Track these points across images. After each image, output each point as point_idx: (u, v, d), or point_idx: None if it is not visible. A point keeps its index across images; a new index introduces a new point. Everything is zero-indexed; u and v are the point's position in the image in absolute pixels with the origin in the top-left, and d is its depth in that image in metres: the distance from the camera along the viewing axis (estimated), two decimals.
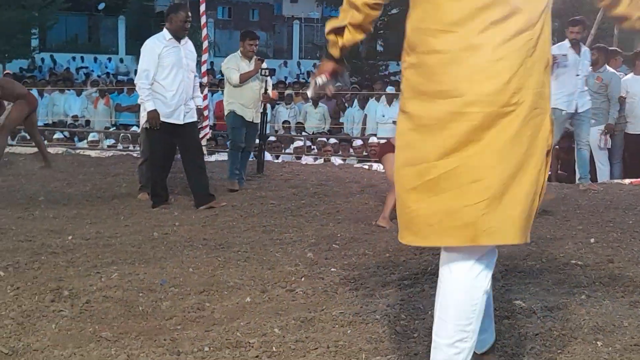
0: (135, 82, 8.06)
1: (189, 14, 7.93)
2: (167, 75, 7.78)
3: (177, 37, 7.87)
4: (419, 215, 2.67)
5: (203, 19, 12.22)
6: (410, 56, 2.76)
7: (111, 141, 15.30)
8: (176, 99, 7.82)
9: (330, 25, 3.06)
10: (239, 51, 9.26)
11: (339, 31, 3.05)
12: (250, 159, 9.83)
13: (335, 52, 3.10)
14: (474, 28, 2.55)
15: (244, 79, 9.01)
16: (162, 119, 7.74)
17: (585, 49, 9.21)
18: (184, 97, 7.88)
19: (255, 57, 9.26)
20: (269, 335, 3.85)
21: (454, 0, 2.58)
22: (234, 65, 9.10)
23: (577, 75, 8.91)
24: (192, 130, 8.10)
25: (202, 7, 11.96)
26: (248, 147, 9.44)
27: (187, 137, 8.00)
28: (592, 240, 6.00)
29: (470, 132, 2.56)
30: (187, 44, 8.03)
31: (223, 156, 11.53)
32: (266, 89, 9.30)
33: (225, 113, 9.36)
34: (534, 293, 4.59)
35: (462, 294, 2.73)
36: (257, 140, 9.95)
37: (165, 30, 7.91)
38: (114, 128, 16.96)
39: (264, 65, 9.26)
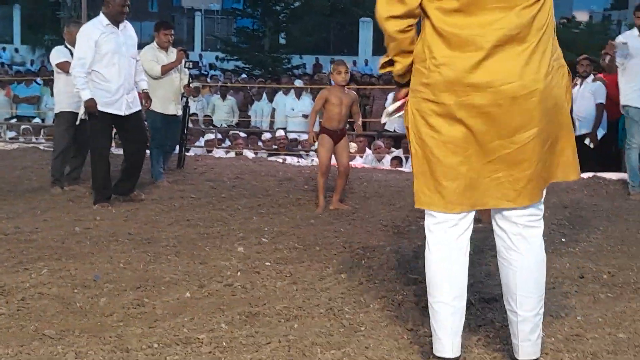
0: (70, 70, 7.56)
1: None
2: (106, 63, 7.35)
3: (116, 21, 7.41)
4: (501, 182, 3.14)
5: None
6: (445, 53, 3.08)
7: (13, 133, 14.83)
8: (117, 88, 7.38)
9: (381, 63, 3.35)
10: (154, 42, 8.99)
11: (391, 64, 3.29)
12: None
13: (400, 79, 3.33)
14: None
15: (165, 70, 8.72)
16: (101, 108, 7.31)
17: None
18: (125, 87, 7.45)
19: (177, 48, 9.07)
20: (216, 330, 3.82)
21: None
22: (152, 57, 8.74)
23: None
24: (136, 121, 7.67)
25: None
26: (172, 143, 9.23)
27: (130, 130, 7.63)
28: None
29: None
30: (127, 29, 7.59)
31: None
32: (189, 81, 9.13)
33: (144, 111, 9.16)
34: (468, 286, 4.66)
35: (541, 266, 3.30)
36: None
37: (101, 15, 7.44)
38: (14, 120, 16.43)
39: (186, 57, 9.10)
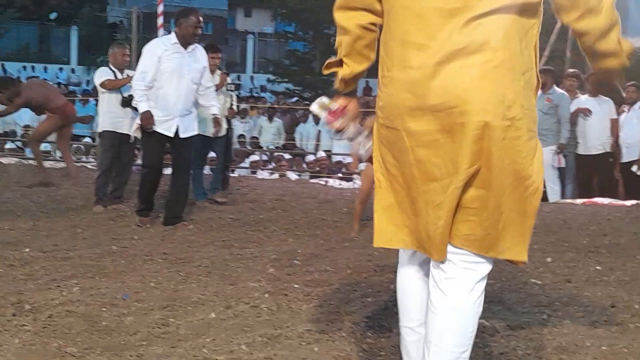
0: (132, 83, 7.55)
1: (201, 19, 7.44)
2: (164, 82, 7.31)
3: (185, 43, 7.37)
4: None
5: (160, 32, 12.17)
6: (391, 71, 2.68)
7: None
8: (170, 108, 7.33)
9: (327, 62, 2.95)
10: None
11: (339, 64, 2.92)
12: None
13: (341, 85, 2.97)
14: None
15: None
16: (153, 127, 7.29)
17: None
18: (179, 109, 7.37)
19: (220, 70, 9.16)
20: (236, 352, 3.84)
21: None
22: None
23: None
24: (183, 146, 7.54)
25: (160, 20, 11.92)
26: (218, 162, 9.25)
27: (176, 153, 7.60)
28: (549, 259, 6.10)
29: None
30: (196, 51, 7.53)
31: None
32: (232, 104, 9.23)
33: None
34: (496, 312, 4.65)
35: (462, 318, 2.68)
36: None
37: (172, 34, 7.42)
38: None
39: (229, 79, 9.19)
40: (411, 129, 2.61)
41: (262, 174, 12.64)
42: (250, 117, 16.75)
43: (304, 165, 13.68)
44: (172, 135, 7.38)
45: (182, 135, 7.43)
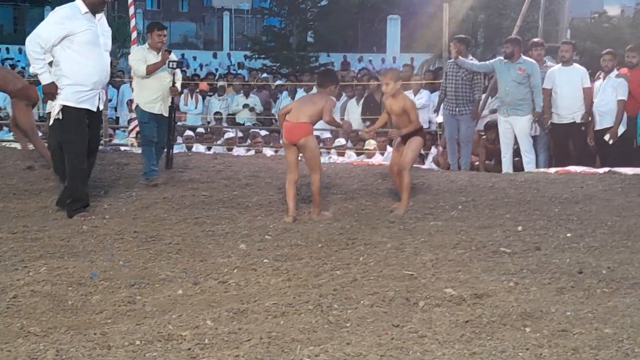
0: (26, 47, 6.82)
1: None
2: (82, 54, 6.81)
3: (94, 11, 6.89)
4: None
5: (131, 10, 12.05)
6: None
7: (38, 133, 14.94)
8: (94, 81, 6.87)
9: None
10: (147, 43, 8.91)
11: None
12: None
13: None
14: None
15: (151, 70, 8.61)
16: (74, 104, 6.80)
17: None
18: (101, 80, 7.01)
19: (163, 48, 8.97)
20: (201, 327, 3.83)
21: None
22: (140, 57, 8.67)
23: None
24: (98, 121, 7.29)
25: None
26: (161, 142, 8.96)
27: (92, 128, 7.07)
28: (520, 228, 6.12)
29: None
30: (102, 20, 7.07)
31: None
32: (174, 82, 9.02)
33: (134, 107, 9.10)
34: (464, 281, 4.67)
35: None
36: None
37: (79, 1, 6.86)
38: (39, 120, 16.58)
39: (172, 57, 9.02)
40: None
41: (238, 151, 12.58)
42: (227, 94, 16.65)
43: (281, 142, 13.62)
44: (95, 109, 7.00)
45: (101, 107, 7.13)
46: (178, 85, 8.98)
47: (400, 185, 7.19)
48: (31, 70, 7.10)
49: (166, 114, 8.86)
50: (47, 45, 6.75)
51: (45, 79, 6.78)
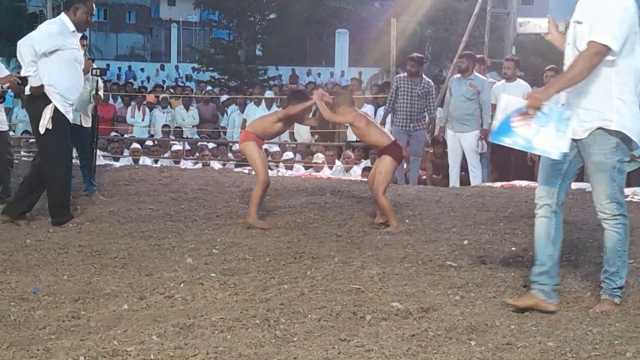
0: (18, 49, 6.85)
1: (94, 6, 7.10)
2: (65, 71, 6.89)
3: (78, 30, 7.04)
4: None
5: None
6: None
7: None
8: (73, 98, 7.02)
9: None
10: None
11: None
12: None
13: None
14: None
15: None
16: (63, 111, 6.87)
17: None
18: (77, 99, 7.16)
19: (85, 56, 8.76)
20: (147, 342, 3.79)
21: None
22: None
23: None
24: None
25: None
26: (85, 155, 8.72)
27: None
28: (465, 242, 6.17)
29: None
30: (77, 35, 7.13)
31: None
32: (97, 90, 8.88)
33: None
34: (411, 295, 4.70)
35: None
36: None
37: (67, 19, 6.93)
38: None
39: (94, 65, 8.91)
40: None
41: (186, 164, 12.52)
42: (172, 108, 16.61)
43: (230, 155, 13.60)
44: (71, 123, 7.16)
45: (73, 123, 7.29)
46: (101, 93, 8.85)
47: (381, 210, 7.11)
48: (23, 72, 7.06)
49: (87, 125, 8.68)
50: (40, 52, 6.80)
51: (36, 82, 6.83)
